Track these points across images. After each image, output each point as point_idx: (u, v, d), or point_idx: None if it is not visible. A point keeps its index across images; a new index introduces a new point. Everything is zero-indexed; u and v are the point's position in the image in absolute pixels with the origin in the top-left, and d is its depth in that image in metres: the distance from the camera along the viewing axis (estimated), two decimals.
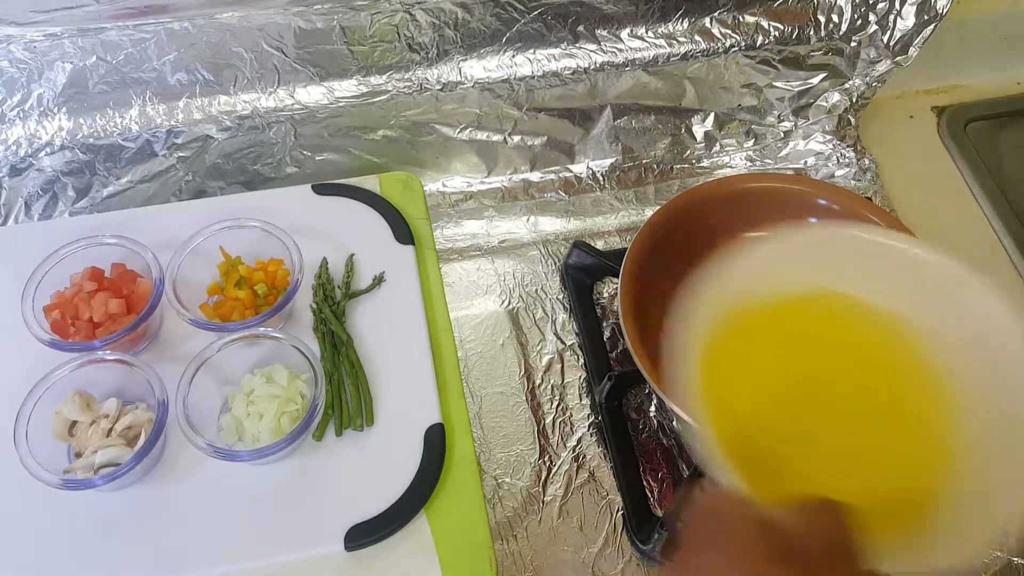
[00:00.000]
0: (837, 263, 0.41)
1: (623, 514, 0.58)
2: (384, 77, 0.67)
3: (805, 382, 0.40)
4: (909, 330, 0.40)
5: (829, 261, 0.41)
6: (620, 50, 0.69)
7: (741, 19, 0.70)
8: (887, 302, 0.41)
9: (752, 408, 0.38)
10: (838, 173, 0.78)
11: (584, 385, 0.65)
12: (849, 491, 0.34)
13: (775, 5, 0.70)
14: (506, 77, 0.69)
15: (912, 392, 0.40)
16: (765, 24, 0.70)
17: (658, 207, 0.63)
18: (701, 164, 0.78)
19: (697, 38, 0.70)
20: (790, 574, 0.29)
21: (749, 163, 0.79)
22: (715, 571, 0.30)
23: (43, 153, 0.66)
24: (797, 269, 0.41)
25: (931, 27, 0.70)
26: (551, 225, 0.75)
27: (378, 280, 0.62)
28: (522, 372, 0.65)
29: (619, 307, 0.57)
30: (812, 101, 0.77)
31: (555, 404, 0.64)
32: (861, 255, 0.41)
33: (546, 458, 0.61)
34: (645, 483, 0.59)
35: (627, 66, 0.70)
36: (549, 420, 0.63)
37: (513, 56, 0.68)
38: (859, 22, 0.71)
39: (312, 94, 0.67)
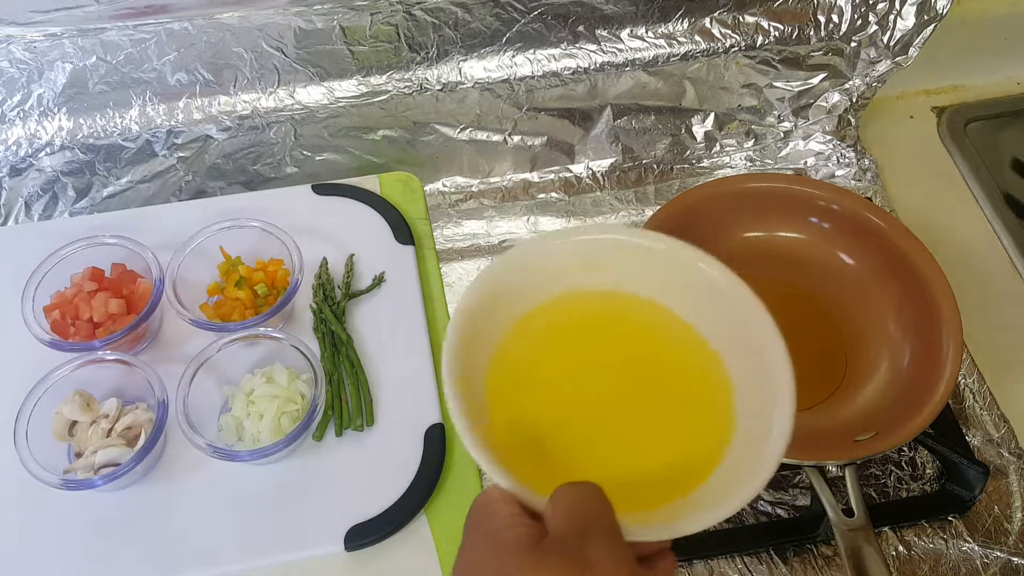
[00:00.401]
0: (597, 262, 0.43)
1: None
2: (384, 77, 0.67)
3: (579, 373, 0.42)
4: (672, 315, 0.42)
5: (593, 261, 0.43)
6: (620, 50, 0.69)
7: (741, 19, 0.70)
8: (651, 295, 0.43)
9: (530, 405, 0.40)
10: (838, 173, 0.78)
11: None
12: (619, 473, 0.37)
13: (775, 5, 0.70)
14: (506, 77, 0.69)
15: (686, 375, 0.41)
16: (765, 24, 0.70)
17: (658, 207, 0.63)
18: (701, 164, 0.78)
19: (697, 38, 0.70)
20: (555, 563, 0.29)
21: (749, 163, 0.79)
22: (486, 570, 0.30)
23: (43, 153, 0.66)
24: (566, 270, 0.43)
25: (931, 27, 0.70)
26: (551, 225, 0.75)
27: (378, 280, 0.62)
28: None
29: None
30: (812, 101, 0.77)
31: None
32: (620, 254, 0.43)
33: None
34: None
35: (627, 66, 0.70)
36: None
37: (513, 56, 0.68)
38: (859, 22, 0.71)
39: (312, 94, 0.67)
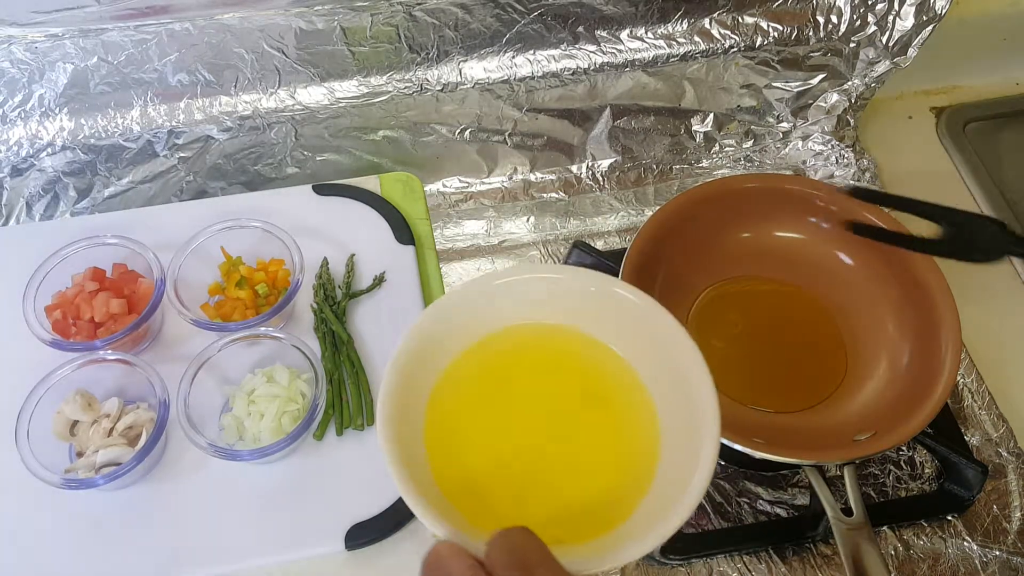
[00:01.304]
0: (519, 301, 0.44)
1: None
2: (384, 78, 0.67)
3: (510, 411, 0.42)
4: (598, 343, 0.44)
5: (520, 299, 0.44)
6: (620, 51, 0.69)
7: (740, 20, 0.70)
8: (576, 324, 0.44)
9: (466, 449, 0.41)
10: (837, 173, 0.78)
11: None
12: (556, 507, 0.39)
13: (774, 6, 0.70)
14: (506, 78, 0.69)
15: (612, 402, 0.42)
16: (764, 25, 0.70)
17: (658, 207, 0.63)
18: (700, 164, 0.79)
19: (696, 39, 0.70)
20: None
21: (748, 163, 0.79)
22: None
23: (44, 153, 0.66)
24: (489, 312, 0.43)
25: (930, 28, 0.70)
26: (551, 225, 0.75)
27: (379, 280, 0.62)
28: None
29: None
30: (811, 102, 0.77)
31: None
32: (558, 293, 0.44)
33: None
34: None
35: (627, 67, 0.70)
36: None
37: (513, 57, 0.68)
38: (858, 23, 0.71)
39: (313, 95, 0.67)
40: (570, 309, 0.43)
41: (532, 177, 0.77)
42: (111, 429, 0.53)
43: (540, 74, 0.69)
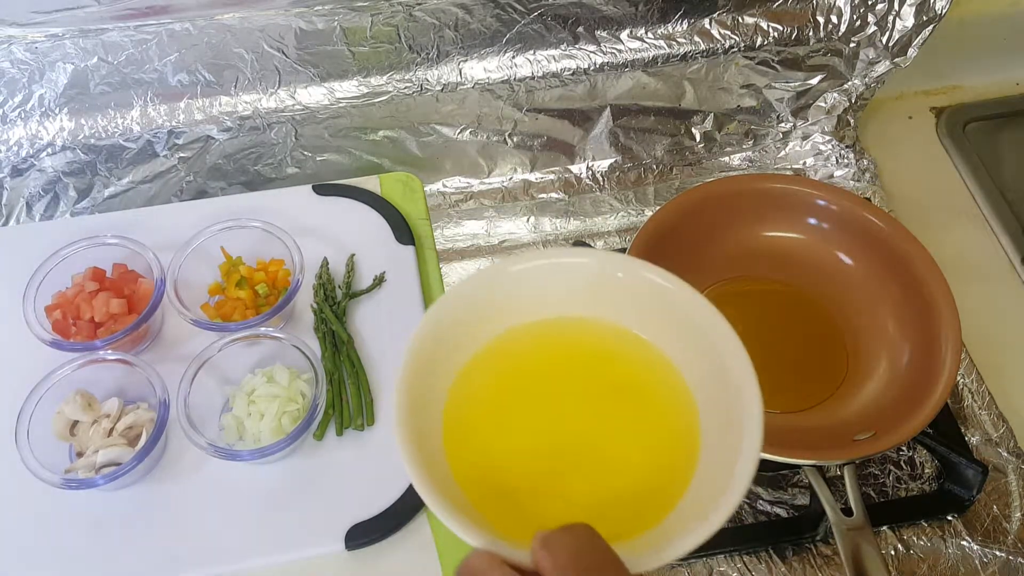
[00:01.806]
0: (552, 289, 0.41)
1: None
2: (384, 78, 0.67)
3: (536, 407, 0.40)
4: (626, 331, 0.41)
5: (547, 288, 0.41)
6: (620, 51, 0.69)
7: (740, 20, 0.70)
8: (599, 314, 0.41)
9: (490, 449, 0.38)
10: (837, 174, 0.78)
11: None
12: (590, 506, 0.36)
13: (774, 6, 0.70)
14: (506, 78, 0.69)
15: (646, 392, 0.40)
16: (764, 25, 0.70)
17: (658, 208, 0.63)
18: (700, 165, 0.79)
19: (696, 39, 0.70)
20: None
21: (748, 164, 0.79)
22: None
23: (44, 154, 0.66)
24: (509, 304, 0.41)
25: (930, 28, 0.70)
26: (551, 225, 0.75)
27: (379, 280, 0.62)
28: None
29: None
30: (811, 102, 0.77)
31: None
32: (581, 280, 0.41)
33: None
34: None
35: (627, 67, 0.70)
36: None
37: (513, 57, 0.68)
38: (858, 23, 0.71)
39: (313, 95, 0.67)
40: (597, 297, 0.41)
41: (532, 177, 0.77)
42: (111, 429, 0.53)
43: (540, 74, 0.69)
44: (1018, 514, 0.59)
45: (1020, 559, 0.57)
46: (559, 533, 0.30)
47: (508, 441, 0.39)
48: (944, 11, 0.69)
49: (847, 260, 0.65)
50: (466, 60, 0.68)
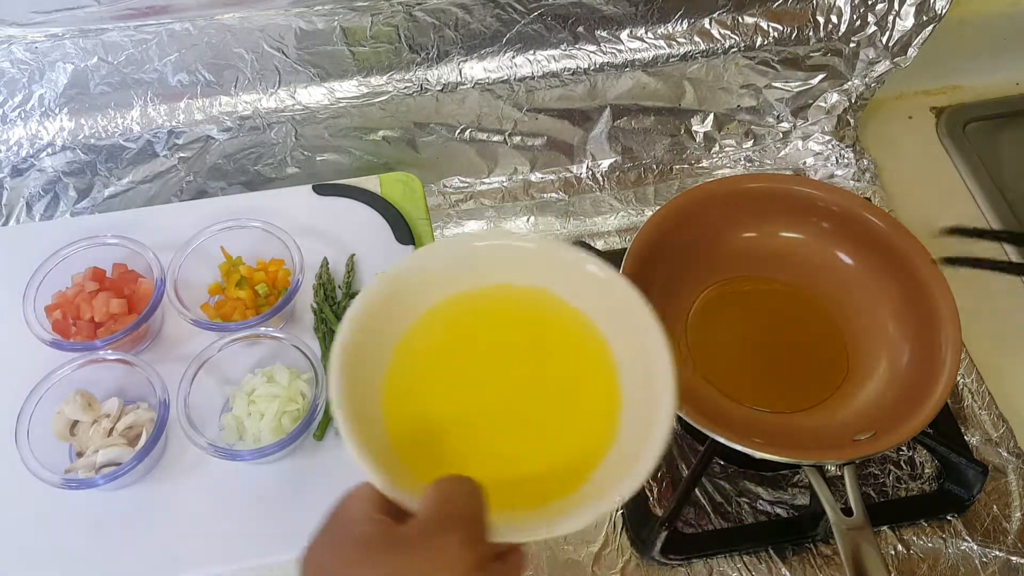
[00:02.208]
0: (488, 264, 0.44)
1: (622, 513, 0.59)
2: (384, 78, 0.67)
3: (473, 370, 0.42)
4: (563, 302, 0.44)
5: (495, 262, 0.44)
6: (620, 51, 0.69)
7: (740, 20, 0.70)
8: (541, 284, 0.44)
9: (426, 407, 0.40)
10: (837, 173, 0.78)
11: None
12: (512, 469, 0.38)
13: (774, 6, 0.70)
14: (506, 78, 0.69)
15: (577, 364, 0.42)
16: (764, 25, 0.70)
17: (658, 207, 0.63)
18: (700, 164, 0.79)
19: (696, 39, 0.70)
20: (397, 551, 0.29)
21: (748, 163, 0.79)
22: (326, 560, 0.31)
23: (44, 153, 0.66)
24: (458, 273, 0.43)
25: (930, 28, 0.70)
26: (551, 225, 0.75)
27: None
28: None
29: None
30: (811, 102, 0.77)
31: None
32: (507, 256, 0.44)
33: None
34: (645, 483, 0.60)
35: (627, 67, 0.70)
36: None
37: (513, 57, 0.68)
38: (858, 23, 0.71)
39: (313, 95, 0.67)
40: (544, 275, 0.43)
41: (532, 177, 0.77)
42: (111, 429, 0.53)
43: (540, 74, 0.69)
44: (1018, 514, 0.59)
45: (1020, 559, 0.57)
46: (444, 479, 0.32)
47: (443, 400, 0.41)
48: (944, 11, 0.69)
49: (847, 260, 0.65)
50: (466, 60, 0.68)
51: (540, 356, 0.43)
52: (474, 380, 0.42)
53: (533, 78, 0.69)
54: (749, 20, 0.70)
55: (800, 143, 0.79)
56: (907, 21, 0.71)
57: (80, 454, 0.53)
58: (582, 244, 0.68)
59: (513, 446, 0.40)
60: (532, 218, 0.75)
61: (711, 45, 0.70)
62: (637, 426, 0.38)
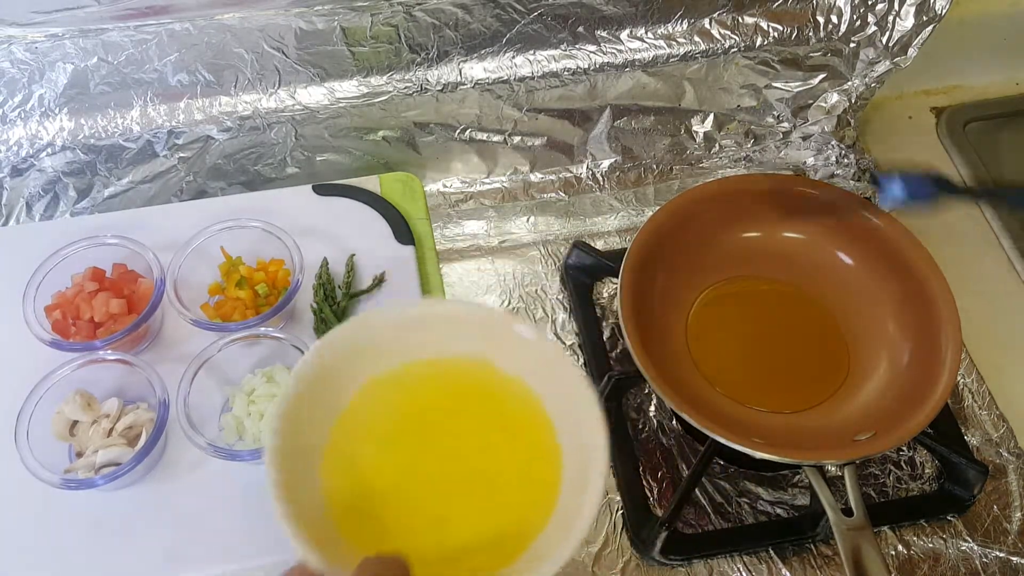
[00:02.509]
0: (425, 332, 0.44)
1: (623, 514, 0.59)
2: (384, 78, 0.67)
3: (413, 441, 0.42)
4: (498, 371, 0.44)
5: (439, 331, 0.44)
6: (620, 51, 0.69)
7: (740, 20, 0.70)
8: (478, 351, 0.44)
9: (366, 478, 0.41)
10: (837, 173, 0.78)
11: None
12: (449, 540, 0.38)
13: (774, 6, 0.70)
14: (506, 78, 0.69)
15: (516, 433, 0.42)
16: (764, 25, 0.70)
17: (658, 207, 0.63)
18: (701, 164, 0.79)
19: (696, 39, 0.70)
20: None
21: (748, 164, 0.79)
22: None
23: (44, 153, 0.66)
24: (413, 339, 0.43)
25: (930, 28, 0.70)
26: (551, 225, 0.75)
27: (378, 280, 0.62)
28: None
29: (619, 307, 0.57)
30: (811, 102, 0.77)
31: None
32: (440, 323, 0.44)
33: None
34: (645, 483, 0.60)
35: (627, 67, 0.70)
36: None
37: (513, 57, 0.68)
38: (858, 23, 0.71)
39: (313, 95, 0.67)
40: (477, 341, 0.43)
41: (532, 177, 0.77)
42: (111, 429, 0.53)
43: (540, 74, 0.69)
44: (1018, 514, 0.59)
45: (1020, 559, 0.57)
46: (368, 560, 0.32)
47: (382, 471, 0.41)
48: (944, 11, 0.69)
49: (847, 260, 0.65)
50: (466, 60, 0.68)
51: (478, 424, 0.43)
52: (412, 450, 0.42)
53: (533, 78, 0.69)
54: (749, 20, 0.70)
55: (800, 143, 0.79)
56: (907, 21, 0.70)
57: (80, 454, 0.53)
58: (579, 245, 0.68)
59: (453, 516, 0.40)
60: (532, 218, 0.75)
61: (711, 45, 0.70)
62: (576, 491, 0.38)
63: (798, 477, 0.60)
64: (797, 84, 0.75)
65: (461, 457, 0.42)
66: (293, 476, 0.37)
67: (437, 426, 0.43)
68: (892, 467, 0.61)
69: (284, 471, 0.37)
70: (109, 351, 0.54)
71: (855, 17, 0.71)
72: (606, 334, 0.67)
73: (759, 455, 0.51)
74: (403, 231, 0.65)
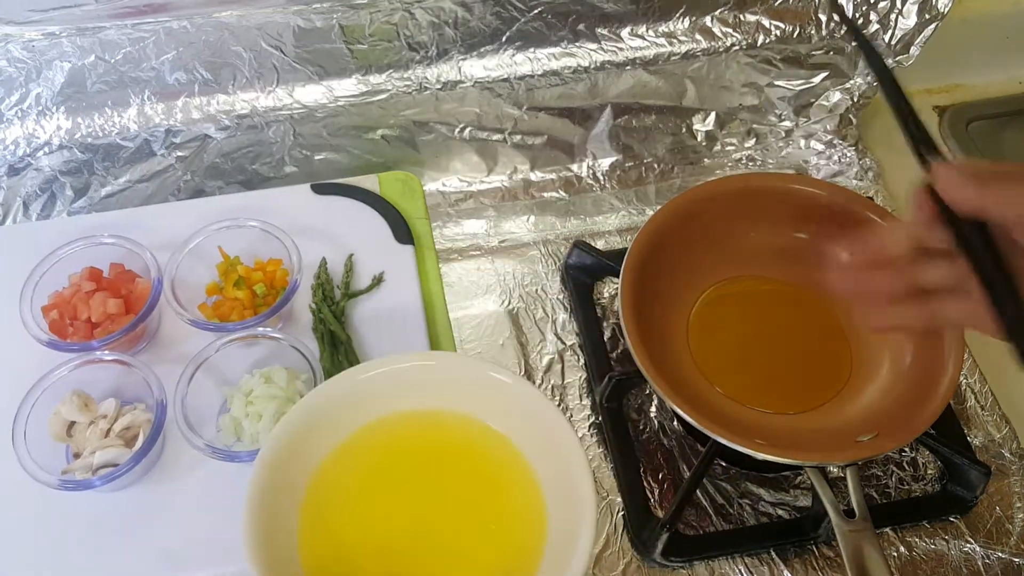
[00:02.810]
0: (405, 386, 0.43)
1: (623, 515, 0.58)
2: (383, 76, 0.67)
3: (392, 499, 0.42)
4: (480, 423, 0.43)
5: (401, 386, 0.43)
6: (620, 49, 0.69)
7: (742, 18, 0.70)
8: (467, 411, 0.43)
9: (344, 541, 0.40)
10: (840, 172, 0.78)
11: (584, 385, 0.64)
12: None
13: (776, 4, 0.69)
14: (506, 76, 0.68)
15: (500, 486, 0.42)
16: (766, 23, 0.70)
17: (659, 207, 0.62)
18: (702, 163, 0.78)
19: (698, 37, 0.70)
20: None
21: (750, 162, 0.79)
22: None
23: (41, 152, 0.66)
24: (367, 401, 0.43)
25: (932, 26, 0.70)
26: (551, 225, 0.74)
27: (377, 280, 0.62)
28: (522, 372, 0.65)
29: (619, 307, 0.57)
30: (813, 100, 0.77)
31: (555, 404, 0.63)
32: (431, 377, 0.43)
33: None
34: (645, 484, 0.59)
35: (627, 65, 0.70)
36: None
37: (513, 55, 0.68)
38: (860, 21, 0.71)
39: (311, 93, 0.67)
40: (452, 393, 0.43)
41: (532, 176, 0.77)
42: (108, 430, 0.53)
43: (540, 72, 0.69)
44: (1021, 515, 0.59)
45: (1023, 560, 0.57)
46: None
47: (360, 532, 0.40)
48: (947, 10, 0.69)
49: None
50: (466, 58, 0.67)
51: (457, 480, 0.42)
52: (391, 508, 0.41)
53: (533, 76, 0.69)
54: (751, 18, 0.70)
55: (802, 142, 0.79)
56: (909, 20, 0.70)
57: (77, 455, 0.53)
58: (580, 245, 0.68)
59: (439, 572, 0.39)
60: (532, 217, 0.75)
61: (713, 43, 0.70)
62: (563, 541, 0.38)
63: (800, 478, 0.60)
64: (799, 82, 0.75)
65: (439, 514, 0.41)
66: (270, 547, 0.37)
67: (414, 482, 0.42)
68: (894, 468, 0.61)
69: (260, 541, 0.37)
70: (106, 351, 0.54)
71: (857, 15, 0.70)
72: (607, 334, 0.67)
73: (761, 456, 0.51)
74: (402, 230, 0.65)
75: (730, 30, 0.70)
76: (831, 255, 0.65)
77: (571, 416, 0.63)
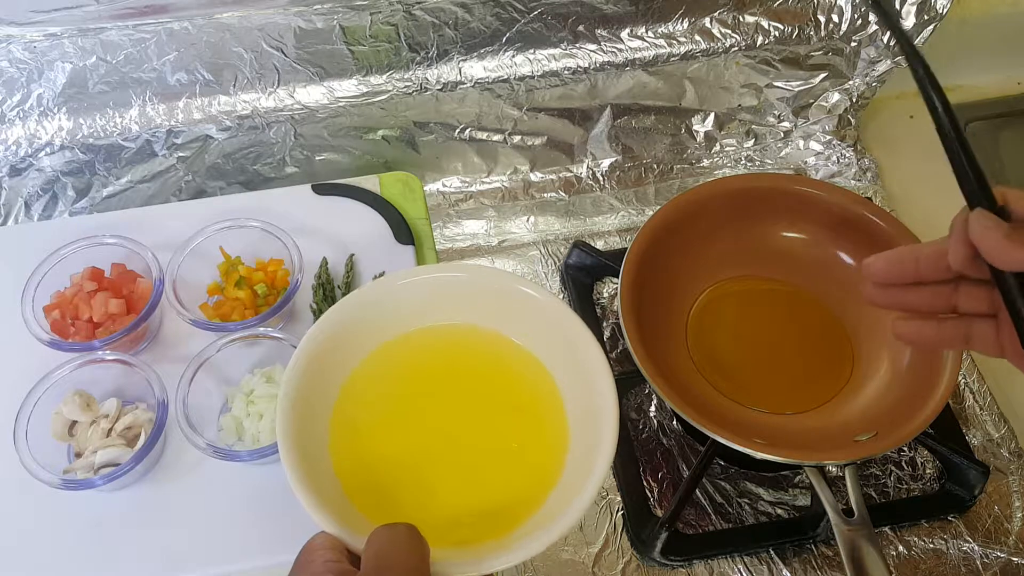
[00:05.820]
0: (435, 300, 0.44)
1: (623, 514, 0.58)
2: (384, 77, 0.67)
3: (420, 409, 0.42)
4: (507, 340, 0.44)
5: (431, 299, 0.44)
6: (620, 50, 0.69)
7: (741, 19, 0.70)
8: (486, 323, 0.44)
9: (373, 447, 0.41)
10: (838, 173, 0.78)
11: None
12: (457, 507, 0.39)
13: (775, 5, 0.70)
14: (506, 77, 0.69)
15: (524, 401, 0.42)
16: (765, 24, 0.70)
17: (658, 207, 0.63)
18: (701, 164, 0.78)
19: (697, 38, 0.70)
20: None
21: (749, 163, 0.79)
22: None
23: (43, 153, 0.66)
24: (402, 312, 0.43)
25: (931, 27, 0.70)
26: (551, 225, 0.75)
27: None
28: None
29: (619, 307, 0.57)
30: (812, 101, 0.77)
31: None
32: (461, 291, 0.44)
33: None
34: (645, 483, 0.59)
35: (627, 66, 0.70)
36: None
37: (513, 56, 0.68)
38: (859, 22, 0.71)
39: (312, 94, 0.67)
40: (481, 308, 0.43)
41: (532, 177, 0.77)
42: (110, 430, 0.53)
43: (540, 73, 0.69)
44: (1019, 515, 0.59)
45: (1021, 560, 0.57)
46: (381, 529, 0.33)
47: (389, 440, 0.41)
48: (945, 10, 0.69)
49: (848, 260, 0.64)
50: (466, 59, 0.68)
51: (484, 392, 0.43)
52: (419, 419, 0.42)
53: (533, 77, 0.69)
54: (750, 19, 0.70)
55: (801, 142, 0.79)
56: (908, 20, 0.70)
57: (79, 455, 0.53)
58: (579, 245, 0.68)
59: (461, 483, 0.40)
60: (532, 218, 0.75)
61: (712, 44, 0.70)
62: (583, 453, 0.38)
63: (799, 478, 0.60)
64: (798, 83, 0.75)
65: (466, 423, 0.42)
66: (304, 449, 0.37)
67: (441, 395, 0.43)
68: (893, 467, 0.61)
69: (296, 444, 0.37)
70: (108, 351, 0.54)
71: (856, 16, 0.71)
72: (606, 334, 0.67)
73: (760, 456, 0.51)
74: (403, 231, 0.65)
75: (729, 31, 0.70)
76: (830, 255, 0.65)
77: None
